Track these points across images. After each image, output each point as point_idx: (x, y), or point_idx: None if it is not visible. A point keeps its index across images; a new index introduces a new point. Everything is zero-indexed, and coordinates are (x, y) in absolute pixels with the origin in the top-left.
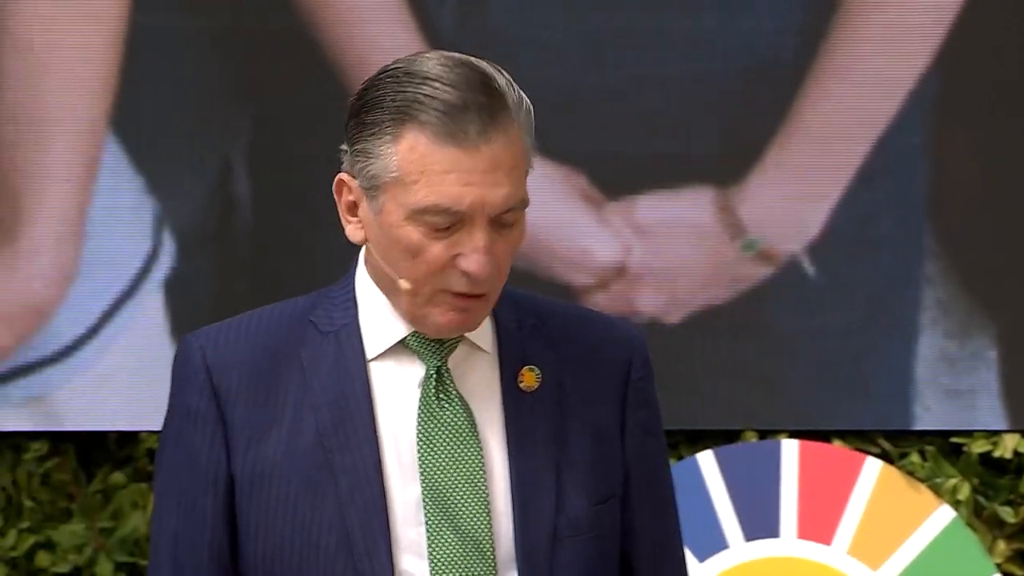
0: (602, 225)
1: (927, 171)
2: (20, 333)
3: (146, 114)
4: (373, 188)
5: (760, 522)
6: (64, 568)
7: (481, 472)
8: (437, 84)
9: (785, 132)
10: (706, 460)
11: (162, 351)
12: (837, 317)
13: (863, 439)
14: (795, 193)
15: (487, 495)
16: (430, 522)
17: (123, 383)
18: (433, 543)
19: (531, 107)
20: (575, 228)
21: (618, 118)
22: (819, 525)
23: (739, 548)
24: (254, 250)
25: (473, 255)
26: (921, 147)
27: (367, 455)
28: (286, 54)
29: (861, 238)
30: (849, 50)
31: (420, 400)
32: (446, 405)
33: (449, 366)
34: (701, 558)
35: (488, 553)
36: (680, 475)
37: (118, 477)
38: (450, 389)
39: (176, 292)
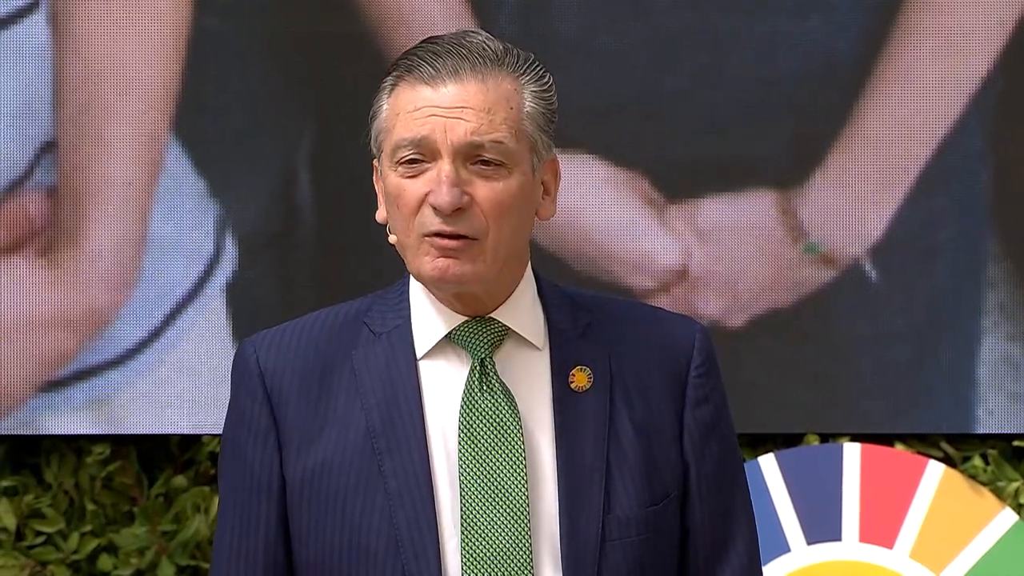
0: (664, 228)
1: (989, 174)
2: (82, 336)
3: (208, 118)
4: (378, 151)
5: (822, 526)
6: (126, 571)
7: (523, 463)
8: (432, 42)
9: (847, 135)
10: (768, 464)
11: (224, 355)
12: (899, 321)
13: (925, 443)
14: (857, 196)
15: (527, 487)
16: (465, 517)
17: (185, 386)
18: (466, 540)
19: (550, 98)
20: (637, 231)
21: (679, 122)
22: (881, 529)
23: (801, 552)
24: (316, 254)
25: (438, 186)
26: (983, 150)
27: (416, 456)
28: (349, 59)
29: (923, 241)
30: (911, 53)
31: (463, 391)
32: (488, 396)
33: (497, 359)
34: (763, 562)
35: (525, 548)
36: None
37: (180, 480)
38: (493, 380)
39: (238, 296)
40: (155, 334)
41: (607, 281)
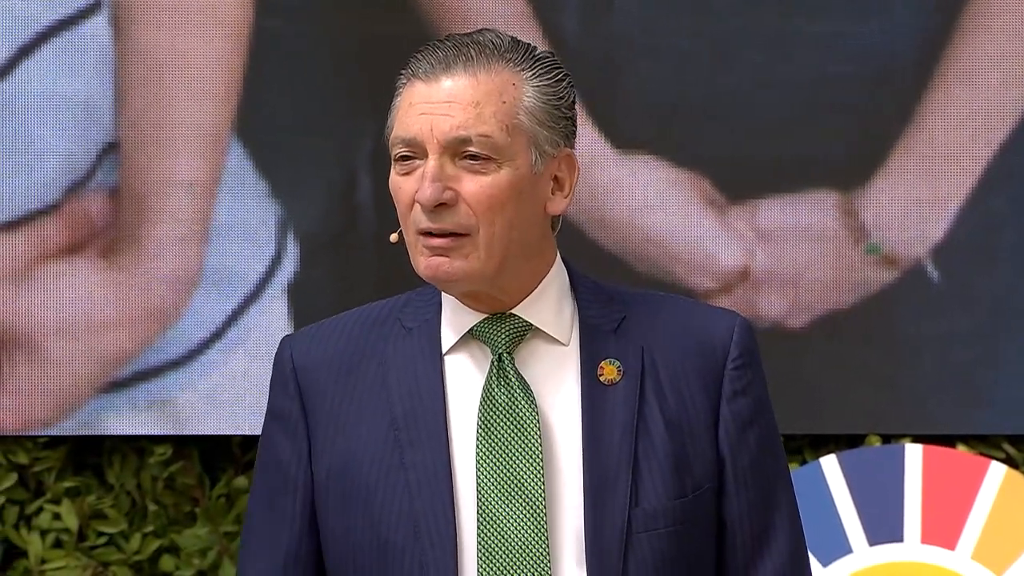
0: (725, 229)
1: None
2: (144, 337)
3: (270, 119)
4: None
5: (884, 527)
6: (188, 572)
7: (539, 456)
8: (439, 41)
9: (909, 136)
10: (830, 465)
11: None
12: (961, 322)
13: (987, 444)
14: (919, 197)
15: (543, 482)
16: (481, 510)
17: (246, 387)
18: (482, 533)
19: (558, 94)
20: (698, 232)
21: (742, 122)
22: (943, 530)
23: (863, 553)
24: (377, 253)
25: (421, 182)
26: None
27: (436, 449)
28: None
29: (985, 242)
30: (972, 53)
31: (483, 387)
32: (505, 390)
33: (520, 356)
34: (825, 563)
35: (542, 542)
36: (803, 480)
37: (242, 481)
38: (510, 375)
39: (299, 296)
40: (217, 335)
41: (669, 282)
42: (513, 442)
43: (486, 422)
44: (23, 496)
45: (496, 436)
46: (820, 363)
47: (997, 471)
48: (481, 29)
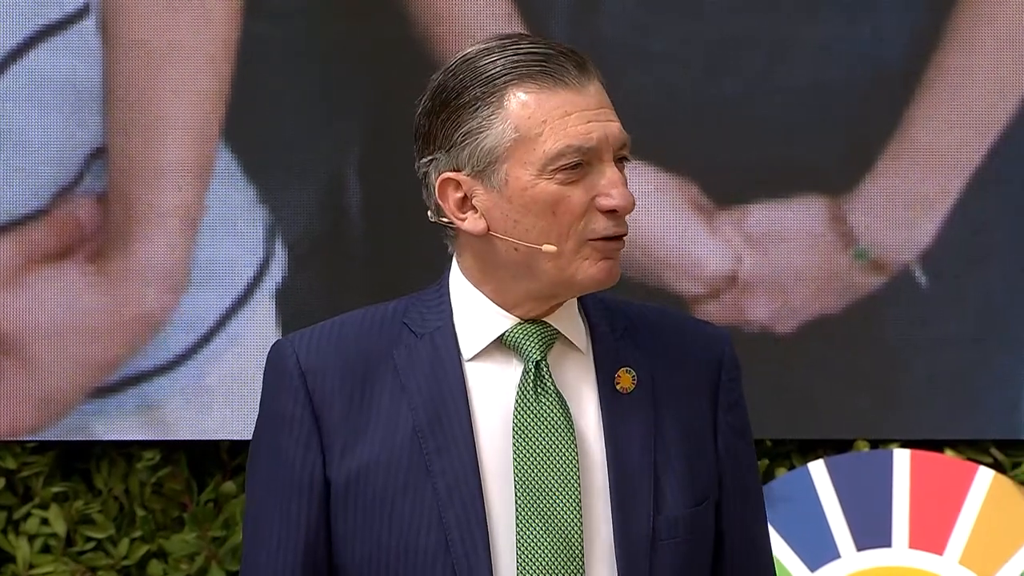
0: (713, 234)
1: None
2: (132, 342)
3: (258, 123)
4: (490, 164)
5: (872, 532)
6: None
7: (575, 467)
8: (520, 46)
9: (897, 140)
10: (818, 470)
11: None
12: (949, 327)
13: (975, 449)
14: (907, 202)
15: (579, 490)
16: (520, 516)
17: (235, 392)
18: (522, 538)
19: None
20: (686, 237)
21: (729, 127)
22: (931, 535)
23: (851, 558)
24: (365, 260)
25: (612, 189)
26: None
27: (464, 456)
28: (398, 65)
29: (974, 247)
30: (961, 58)
31: (517, 394)
32: (543, 399)
33: (549, 363)
34: (812, 567)
35: (577, 548)
36: (792, 484)
37: (229, 486)
38: (548, 384)
39: (287, 302)
40: (205, 340)
41: (656, 287)
42: (549, 453)
43: (522, 430)
44: (11, 501)
45: (531, 445)
46: (808, 368)
47: (985, 476)
48: (522, 34)
